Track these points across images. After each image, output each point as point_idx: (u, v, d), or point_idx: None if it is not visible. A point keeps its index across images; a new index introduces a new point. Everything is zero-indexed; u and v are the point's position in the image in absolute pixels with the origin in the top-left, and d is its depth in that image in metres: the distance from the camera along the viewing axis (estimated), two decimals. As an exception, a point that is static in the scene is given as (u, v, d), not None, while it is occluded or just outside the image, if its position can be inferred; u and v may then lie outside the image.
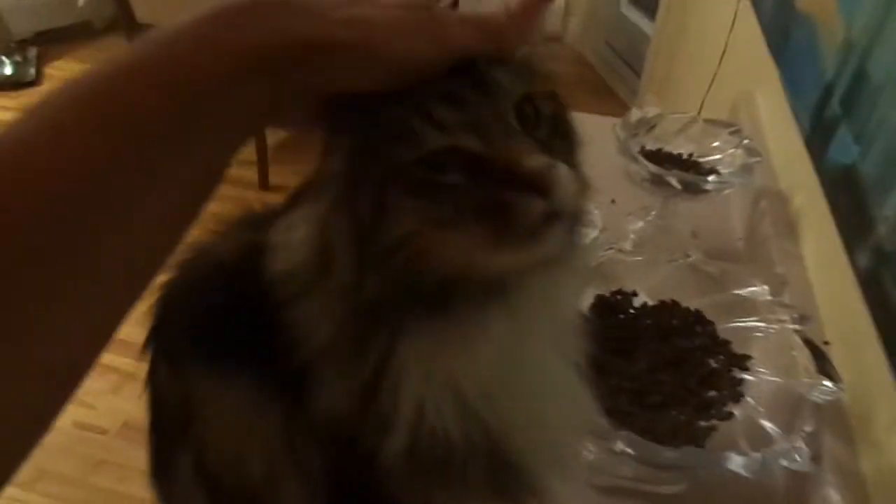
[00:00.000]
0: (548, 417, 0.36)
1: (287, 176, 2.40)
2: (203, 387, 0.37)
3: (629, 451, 0.51)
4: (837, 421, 0.60)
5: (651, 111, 0.99)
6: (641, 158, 0.91)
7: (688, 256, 0.69)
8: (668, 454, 0.53)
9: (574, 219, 0.33)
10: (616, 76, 3.06)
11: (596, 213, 0.90)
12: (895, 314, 0.49)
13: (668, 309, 0.70)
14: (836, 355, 0.58)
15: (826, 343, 0.67)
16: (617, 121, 1.01)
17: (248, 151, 2.30)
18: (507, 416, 0.34)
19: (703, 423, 0.59)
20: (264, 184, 2.32)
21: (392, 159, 0.30)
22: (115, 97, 0.25)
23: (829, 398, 0.54)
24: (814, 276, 0.75)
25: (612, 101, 3.01)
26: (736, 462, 0.50)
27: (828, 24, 0.73)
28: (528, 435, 0.35)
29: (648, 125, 0.99)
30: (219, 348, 0.36)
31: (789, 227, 0.85)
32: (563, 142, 0.34)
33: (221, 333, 0.36)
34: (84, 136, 0.24)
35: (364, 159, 0.31)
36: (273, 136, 2.55)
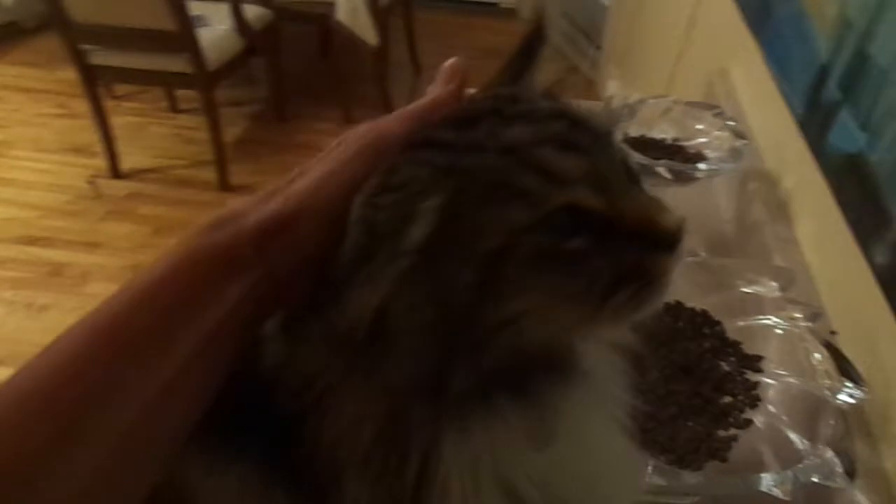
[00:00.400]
0: (604, 491, 0.32)
1: (248, 175, 2.31)
2: (195, 476, 0.32)
3: (661, 482, 0.48)
4: (856, 419, 0.58)
5: (633, 97, 0.96)
6: (629, 150, 0.88)
7: (690, 255, 0.66)
8: (692, 479, 0.50)
9: None
10: (576, 50, 3.02)
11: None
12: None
13: (672, 311, 0.67)
14: (844, 346, 0.56)
15: (833, 332, 0.65)
16: (595, 104, 0.98)
17: (205, 150, 2.20)
18: (564, 497, 0.30)
19: (722, 433, 0.56)
20: (224, 184, 2.23)
21: (502, 223, 0.25)
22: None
23: (853, 401, 0.52)
24: (815, 263, 0.73)
25: (573, 75, 2.98)
26: (767, 483, 0.47)
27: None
28: None
29: (631, 111, 0.96)
30: (218, 432, 0.31)
31: (781, 210, 0.84)
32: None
33: (221, 416, 0.31)
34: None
35: (457, 225, 0.25)
36: (231, 133, 2.45)
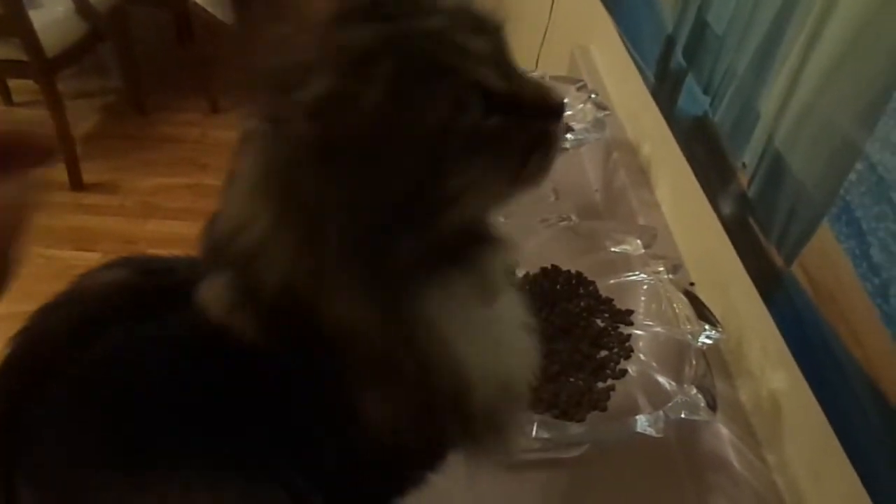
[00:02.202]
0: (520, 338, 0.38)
1: (105, 172, 2.12)
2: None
3: (546, 435, 0.50)
4: (715, 358, 0.64)
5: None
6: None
7: (562, 220, 0.69)
8: (577, 430, 0.53)
9: None
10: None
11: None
12: (763, 256, 0.52)
13: (550, 275, 0.69)
14: (701, 293, 0.61)
15: (692, 284, 0.70)
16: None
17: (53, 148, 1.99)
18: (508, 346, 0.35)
19: (601, 385, 0.60)
20: (77, 183, 2.03)
21: (440, 99, 0.27)
22: None
23: (710, 342, 0.56)
24: (673, 222, 0.79)
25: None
26: (642, 424, 0.51)
27: (659, -24, 0.74)
28: (517, 361, 0.37)
29: (500, 86, 0.98)
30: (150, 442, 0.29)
31: (643, 176, 0.89)
32: None
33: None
34: None
35: (404, 98, 0.27)
36: (81, 128, 2.23)
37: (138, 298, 0.33)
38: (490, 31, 0.31)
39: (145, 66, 2.45)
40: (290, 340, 0.29)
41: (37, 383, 0.32)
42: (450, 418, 0.32)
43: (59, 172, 2.00)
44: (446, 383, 0.31)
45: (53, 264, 1.78)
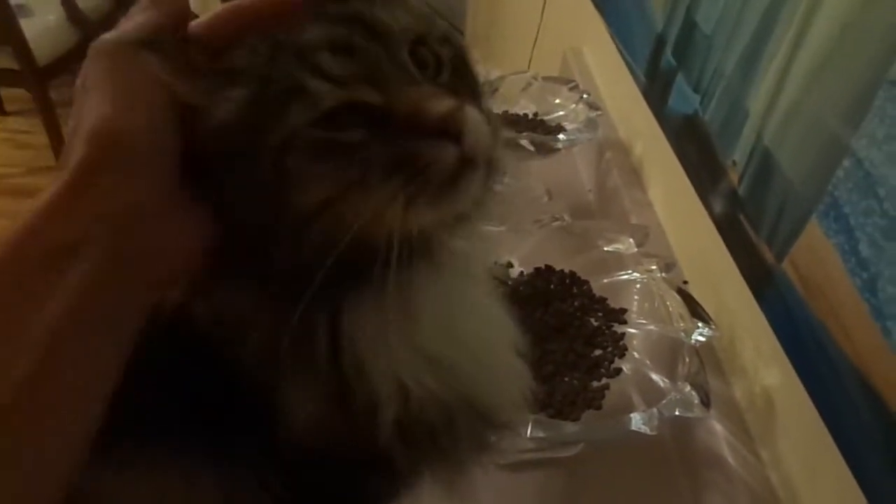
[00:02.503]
0: (496, 359, 0.37)
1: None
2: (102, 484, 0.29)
3: (541, 434, 0.50)
4: (708, 355, 0.64)
5: (492, 73, 0.98)
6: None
7: (555, 220, 0.69)
8: (572, 429, 0.53)
9: (489, 166, 0.30)
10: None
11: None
12: (754, 253, 0.52)
13: (543, 275, 0.69)
14: (694, 291, 0.62)
15: (685, 282, 0.71)
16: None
17: (43, 155, 1.99)
18: (467, 366, 0.34)
19: (595, 384, 0.60)
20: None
21: (286, 123, 0.27)
22: None
23: (704, 339, 0.56)
24: (665, 220, 0.80)
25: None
26: (637, 422, 0.51)
27: (649, -23, 0.75)
28: (485, 380, 0.35)
29: (492, 88, 0.98)
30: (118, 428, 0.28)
31: (635, 176, 0.90)
32: (468, 86, 0.32)
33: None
34: None
35: (254, 126, 0.27)
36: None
37: None
38: (383, 36, 0.29)
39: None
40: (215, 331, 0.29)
41: None
42: (372, 427, 0.31)
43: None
44: (360, 392, 0.30)
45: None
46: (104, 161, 0.26)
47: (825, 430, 0.44)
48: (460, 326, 0.34)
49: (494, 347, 0.37)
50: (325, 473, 0.33)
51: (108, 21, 2.10)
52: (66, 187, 0.25)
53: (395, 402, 0.31)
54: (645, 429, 0.50)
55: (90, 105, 0.26)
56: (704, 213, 0.63)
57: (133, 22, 0.29)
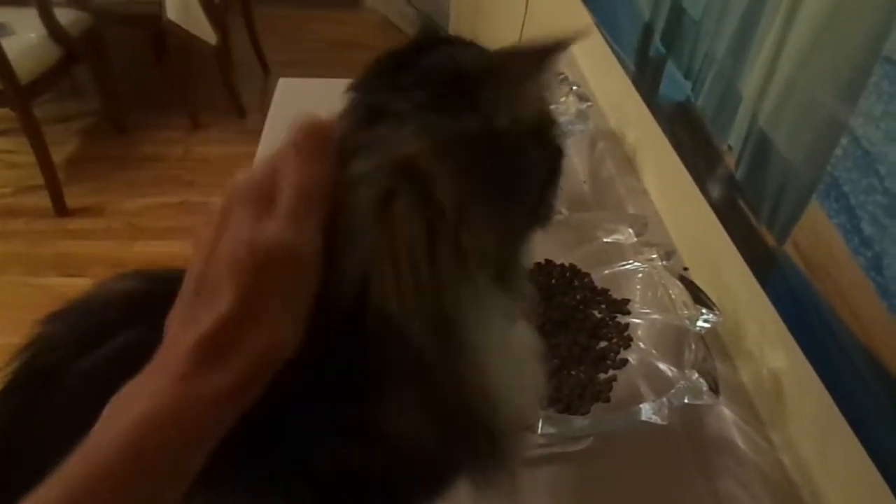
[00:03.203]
0: (527, 366, 0.37)
1: (88, 196, 2.10)
2: None
3: (551, 430, 0.49)
4: (713, 341, 0.64)
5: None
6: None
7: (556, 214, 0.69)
8: (581, 423, 0.52)
9: None
10: (424, 36, 3.05)
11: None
12: (755, 237, 0.52)
13: (544, 269, 0.69)
14: (695, 278, 0.62)
15: (685, 269, 0.71)
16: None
17: (31, 174, 1.97)
18: (510, 374, 0.34)
19: (602, 376, 0.59)
20: (61, 209, 2.01)
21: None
22: None
23: (708, 325, 0.56)
24: (662, 208, 0.79)
25: (425, 61, 3.00)
26: (647, 412, 0.50)
27: (633, -35, 0.75)
28: (519, 385, 0.36)
29: (481, 85, 0.98)
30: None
31: (629, 164, 0.89)
32: None
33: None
34: None
35: None
36: (62, 152, 2.20)
37: (150, 305, 0.31)
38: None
39: (123, 85, 2.44)
40: (333, 334, 0.29)
41: (41, 390, 0.31)
42: (475, 433, 0.32)
43: (41, 199, 1.98)
44: (477, 397, 0.31)
45: (41, 293, 1.77)
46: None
47: (835, 409, 0.44)
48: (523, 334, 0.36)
49: (525, 353, 0.37)
50: (366, 488, 0.33)
51: (90, 35, 2.08)
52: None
53: (506, 406, 0.32)
54: (656, 418, 0.50)
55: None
56: (702, 198, 0.63)
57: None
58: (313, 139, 0.29)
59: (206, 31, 2.15)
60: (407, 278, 0.28)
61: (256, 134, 0.97)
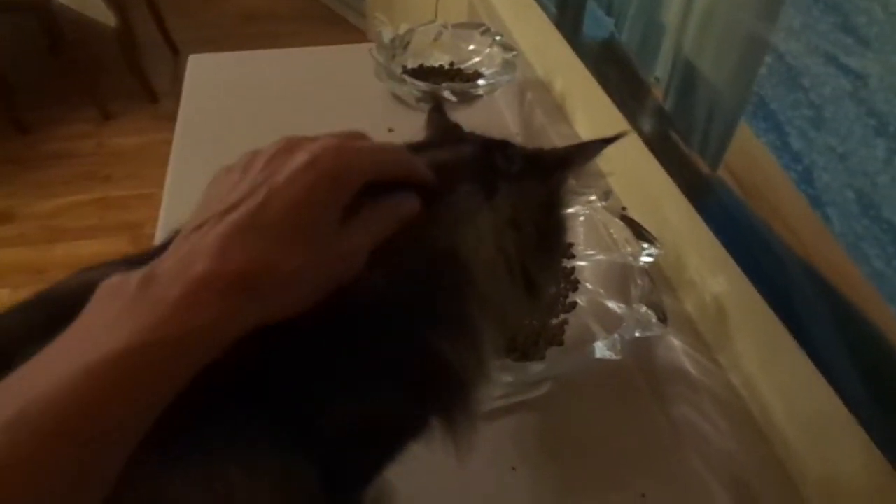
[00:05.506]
0: None
1: (-5, 200, 1.95)
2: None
3: (509, 378, 0.49)
4: (657, 276, 0.65)
5: (402, 27, 0.95)
6: (410, 79, 0.87)
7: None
8: (538, 367, 0.53)
9: None
10: (341, 2, 2.95)
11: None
12: (688, 165, 0.52)
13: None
14: (634, 214, 0.62)
15: (624, 209, 0.71)
16: (368, 46, 0.96)
17: None
18: None
19: (554, 321, 0.60)
20: None
21: None
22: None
23: (651, 259, 0.57)
24: (596, 150, 0.80)
25: (344, 27, 2.91)
26: (601, 350, 0.51)
27: None
28: None
29: (403, 43, 0.95)
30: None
31: (559, 112, 0.89)
32: None
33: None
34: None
35: None
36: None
37: None
38: None
39: (16, 79, 2.26)
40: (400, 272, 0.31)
41: None
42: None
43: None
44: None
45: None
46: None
47: (777, 323, 0.46)
48: None
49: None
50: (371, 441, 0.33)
51: None
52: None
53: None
54: (609, 354, 0.51)
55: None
56: (634, 135, 0.63)
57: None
58: (396, 163, 0.33)
59: (102, 12, 2.00)
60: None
61: (171, 120, 0.91)
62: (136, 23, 2.36)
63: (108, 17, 2.04)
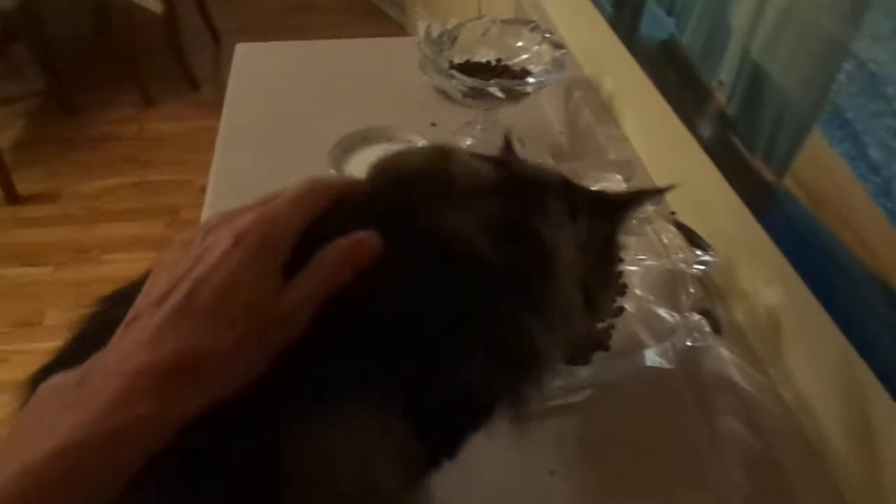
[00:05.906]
0: None
1: (40, 181, 2.00)
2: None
3: (556, 382, 0.48)
4: (706, 282, 0.63)
5: (450, 22, 0.94)
6: (458, 74, 0.86)
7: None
8: (585, 372, 0.52)
9: None
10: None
11: (421, 141, 0.86)
12: (750, 172, 0.51)
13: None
14: (685, 220, 0.61)
15: (672, 213, 0.70)
16: (412, 39, 0.95)
17: (-23, 162, 1.87)
18: None
19: (600, 325, 0.59)
20: (12, 196, 1.91)
21: None
22: None
23: (705, 267, 0.56)
24: (644, 153, 0.78)
25: (383, 20, 2.92)
26: (652, 358, 0.50)
27: None
28: None
29: (450, 37, 0.94)
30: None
31: (607, 112, 0.88)
32: None
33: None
34: None
35: None
36: (6, 137, 2.09)
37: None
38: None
39: (66, 63, 2.31)
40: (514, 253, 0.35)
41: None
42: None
43: (-10, 188, 1.88)
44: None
45: (1, 284, 1.69)
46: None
47: (841, 339, 0.44)
48: None
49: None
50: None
51: (26, 9, 1.95)
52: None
53: None
54: (661, 362, 0.50)
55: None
56: (690, 139, 0.61)
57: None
58: (315, 197, 0.33)
59: (153, 2, 2.04)
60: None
61: (211, 107, 0.92)
62: (179, 10, 2.40)
63: (153, 5, 2.07)
